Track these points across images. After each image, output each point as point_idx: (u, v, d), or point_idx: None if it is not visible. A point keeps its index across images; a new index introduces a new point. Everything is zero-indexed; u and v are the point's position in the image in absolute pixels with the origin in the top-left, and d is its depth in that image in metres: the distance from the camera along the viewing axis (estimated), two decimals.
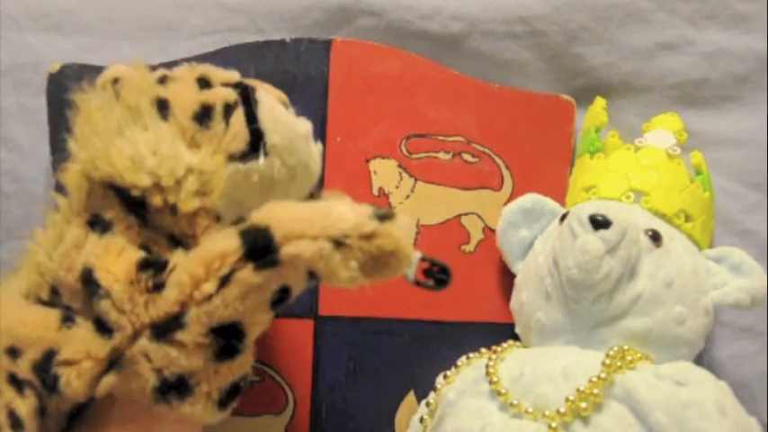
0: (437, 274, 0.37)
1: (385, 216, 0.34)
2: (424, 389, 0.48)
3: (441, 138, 0.52)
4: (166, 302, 0.34)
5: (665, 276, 0.43)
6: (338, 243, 0.33)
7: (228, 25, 0.55)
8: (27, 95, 0.54)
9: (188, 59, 0.51)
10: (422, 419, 0.45)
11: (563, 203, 0.51)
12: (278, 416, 0.50)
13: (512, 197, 0.51)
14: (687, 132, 0.50)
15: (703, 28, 0.54)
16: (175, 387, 0.35)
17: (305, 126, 0.42)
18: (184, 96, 0.39)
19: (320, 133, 0.51)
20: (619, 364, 0.40)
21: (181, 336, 0.34)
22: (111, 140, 0.37)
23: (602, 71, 0.54)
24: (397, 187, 0.52)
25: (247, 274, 0.34)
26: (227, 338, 0.35)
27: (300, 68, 0.52)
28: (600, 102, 0.52)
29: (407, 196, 0.52)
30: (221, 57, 0.51)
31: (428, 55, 0.53)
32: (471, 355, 0.47)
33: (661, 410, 0.37)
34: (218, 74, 0.42)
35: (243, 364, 0.37)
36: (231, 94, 0.40)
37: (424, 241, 0.51)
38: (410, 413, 0.49)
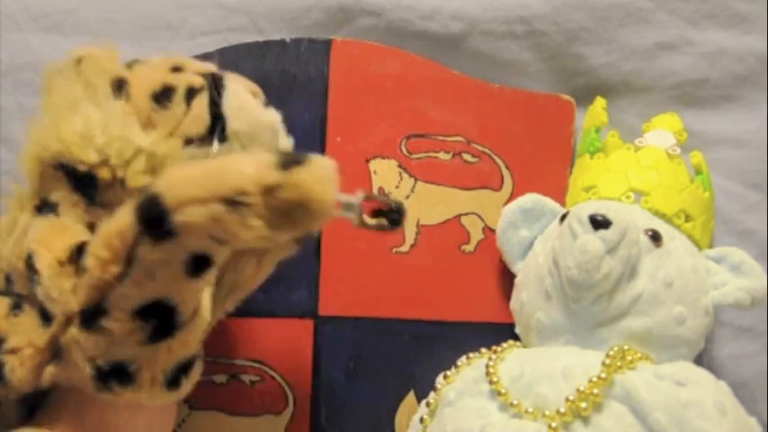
0: (389, 214, 0.35)
1: (292, 162, 0.30)
2: (424, 389, 0.48)
3: (441, 138, 0.52)
4: (87, 290, 0.33)
5: (665, 276, 0.43)
6: (234, 202, 0.29)
7: (228, 25, 0.55)
8: (27, 95, 0.54)
9: None
10: (422, 419, 0.45)
11: (563, 203, 0.51)
12: (278, 416, 0.50)
13: (512, 197, 0.51)
14: (687, 132, 0.50)
15: (703, 28, 0.54)
16: (114, 375, 0.33)
17: (272, 116, 0.41)
18: (146, 77, 0.38)
19: (320, 133, 0.51)
20: (619, 364, 0.40)
21: (106, 323, 0.33)
22: (63, 117, 0.37)
23: (602, 71, 0.54)
24: (397, 187, 0.52)
25: (147, 250, 0.31)
26: (156, 318, 0.33)
27: (300, 68, 0.52)
28: (600, 102, 0.52)
29: (407, 196, 0.52)
30: (221, 57, 0.51)
31: (428, 55, 0.53)
32: (471, 355, 0.47)
33: (661, 410, 0.37)
34: (194, 64, 0.41)
35: (186, 343, 0.35)
36: (197, 80, 0.39)
37: (424, 241, 0.51)
38: (410, 413, 0.49)
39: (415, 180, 0.52)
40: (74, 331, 0.33)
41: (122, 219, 0.31)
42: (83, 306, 0.33)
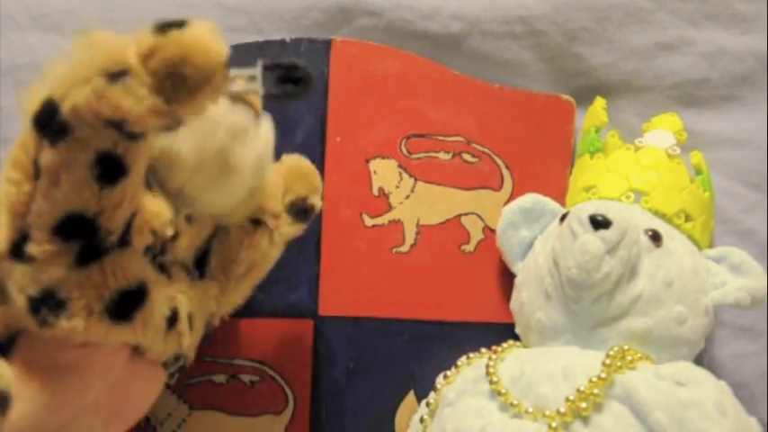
0: (294, 77, 0.33)
1: (169, 26, 0.29)
2: (424, 389, 0.48)
3: (441, 138, 0.52)
4: (9, 217, 0.32)
5: (666, 276, 0.43)
6: (115, 75, 0.28)
7: (228, 25, 0.55)
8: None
9: None
10: (422, 419, 0.45)
11: (563, 203, 0.51)
12: (278, 416, 0.50)
13: (512, 197, 0.51)
14: (687, 132, 0.50)
15: (703, 28, 0.54)
16: (44, 303, 0.32)
17: (233, 117, 0.37)
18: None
19: (320, 133, 0.51)
20: (619, 364, 0.40)
21: (30, 248, 0.31)
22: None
23: (602, 71, 0.54)
24: (397, 187, 0.52)
25: (48, 155, 0.30)
26: (79, 238, 0.31)
27: None
28: (600, 102, 0.52)
29: (407, 196, 0.52)
30: None
31: (428, 55, 0.53)
32: (471, 355, 0.47)
33: (661, 410, 0.37)
34: None
35: (125, 269, 0.33)
36: None
37: (424, 241, 0.51)
38: (410, 413, 0.49)
39: (415, 180, 0.52)
40: (5, 265, 0.32)
41: (23, 134, 0.31)
42: (10, 237, 0.32)
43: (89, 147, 0.30)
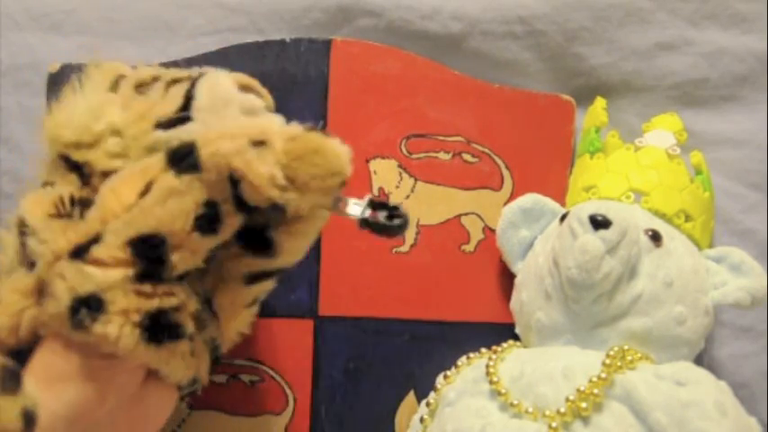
0: (390, 211, 0.35)
1: (316, 129, 0.34)
2: (424, 389, 0.48)
3: (441, 138, 0.52)
4: (87, 224, 0.34)
5: (666, 276, 0.43)
6: (256, 143, 0.33)
7: (228, 25, 0.55)
8: (27, 95, 0.54)
9: (188, 59, 0.51)
10: (422, 419, 0.46)
11: (563, 203, 0.51)
12: (278, 416, 0.50)
13: (512, 197, 0.51)
14: (687, 132, 0.50)
15: (703, 28, 0.54)
16: (86, 304, 0.33)
17: (248, 98, 0.39)
18: (142, 72, 0.39)
19: None
20: (619, 364, 0.40)
21: (96, 252, 0.33)
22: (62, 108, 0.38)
23: (602, 71, 0.54)
24: (397, 187, 0.52)
25: (168, 179, 0.33)
26: (146, 258, 0.33)
27: (300, 68, 0.52)
28: (600, 102, 0.52)
29: (407, 196, 0.52)
30: (221, 57, 0.51)
31: (428, 55, 0.53)
32: (471, 355, 0.47)
33: (661, 410, 0.37)
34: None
35: (171, 294, 0.35)
36: (186, 74, 0.39)
37: (424, 241, 0.51)
38: (410, 413, 0.49)
39: (415, 180, 0.52)
40: (61, 264, 0.34)
41: (151, 159, 0.34)
42: (78, 241, 0.34)
43: (204, 191, 0.33)
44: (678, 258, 0.44)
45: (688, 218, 0.47)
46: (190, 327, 0.36)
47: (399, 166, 0.52)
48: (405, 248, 0.51)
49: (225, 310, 0.40)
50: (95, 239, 0.33)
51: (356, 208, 0.35)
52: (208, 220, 0.34)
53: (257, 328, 0.50)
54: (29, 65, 0.54)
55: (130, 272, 0.33)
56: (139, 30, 0.55)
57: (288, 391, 0.50)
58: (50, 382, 0.34)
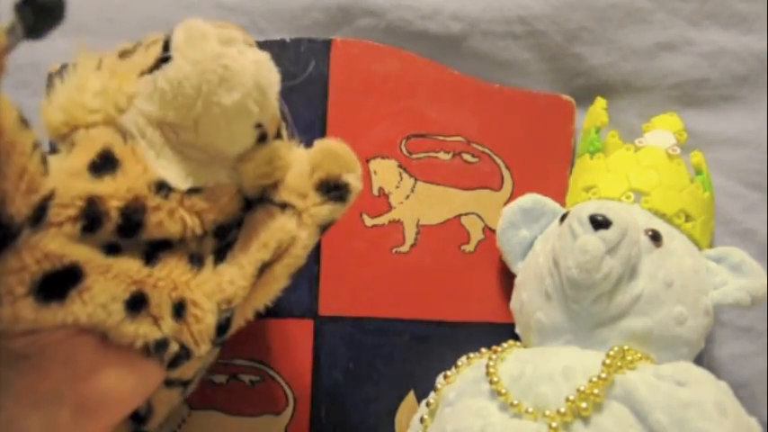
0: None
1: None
2: (424, 389, 0.48)
3: (441, 138, 0.52)
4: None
5: (666, 276, 0.43)
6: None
7: None
8: (27, 95, 0.54)
9: None
10: (422, 419, 0.45)
11: (563, 203, 0.51)
12: (278, 416, 0.50)
13: (512, 197, 0.51)
14: (687, 132, 0.50)
15: (703, 28, 0.54)
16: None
17: (225, 32, 0.40)
18: (123, 45, 0.40)
19: (320, 133, 0.51)
20: (619, 364, 0.40)
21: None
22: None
23: (602, 71, 0.54)
24: (397, 187, 0.52)
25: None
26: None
27: (300, 68, 0.52)
28: (600, 102, 0.52)
29: (407, 196, 0.52)
30: None
31: (428, 55, 0.53)
32: (471, 355, 0.47)
33: (661, 410, 0.37)
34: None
35: (46, 251, 0.33)
36: (165, 34, 0.40)
37: (424, 241, 0.51)
38: (410, 413, 0.49)
39: (415, 180, 0.52)
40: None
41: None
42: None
43: None
44: (678, 258, 0.44)
45: (688, 218, 0.47)
46: (106, 268, 0.35)
47: (399, 165, 0.52)
48: (405, 248, 0.51)
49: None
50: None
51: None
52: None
53: (257, 328, 0.50)
54: (29, 65, 0.54)
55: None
56: (139, 30, 0.54)
57: (288, 391, 0.50)
58: None
